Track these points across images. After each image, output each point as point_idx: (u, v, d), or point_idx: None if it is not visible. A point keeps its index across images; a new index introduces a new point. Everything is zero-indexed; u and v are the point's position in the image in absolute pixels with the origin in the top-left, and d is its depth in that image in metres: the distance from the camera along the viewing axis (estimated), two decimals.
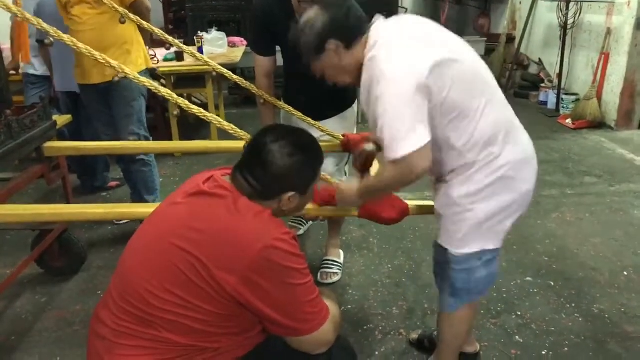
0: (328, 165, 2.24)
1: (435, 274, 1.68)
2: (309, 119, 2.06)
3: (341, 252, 2.59)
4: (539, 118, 5.18)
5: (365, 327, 2.11)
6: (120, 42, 2.66)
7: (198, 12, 5.43)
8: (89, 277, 2.50)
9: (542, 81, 5.72)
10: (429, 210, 1.66)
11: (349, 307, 2.24)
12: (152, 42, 6.04)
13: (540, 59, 5.87)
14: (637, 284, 2.38)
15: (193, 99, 5.11)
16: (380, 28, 1.41)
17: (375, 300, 2.30)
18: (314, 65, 1.46)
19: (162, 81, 4.10)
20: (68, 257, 2.48)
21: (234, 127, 1.73)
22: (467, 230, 1.45)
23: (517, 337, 2.05)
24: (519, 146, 1.46)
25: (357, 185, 1.54)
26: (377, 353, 1.98)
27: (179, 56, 4.13)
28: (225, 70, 2.10)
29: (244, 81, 2.11)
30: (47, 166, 2.19)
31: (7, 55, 3.51)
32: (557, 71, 5.33)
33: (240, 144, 1.40)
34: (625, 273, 2.47)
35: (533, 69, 6.04)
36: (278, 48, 2.15)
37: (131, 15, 2.09)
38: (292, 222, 2.83)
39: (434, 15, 8.97)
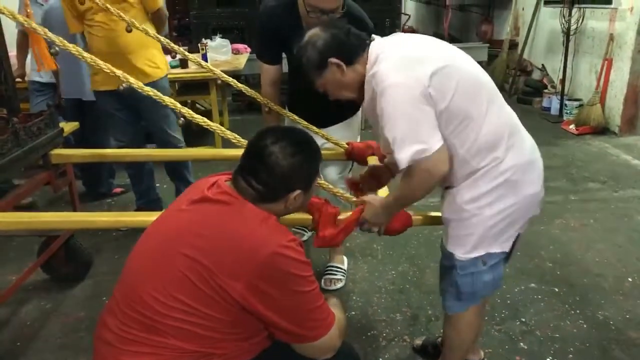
0: (331, 173, 2.26)
1: (440, 277, 1.68)
2: (314, 127, 2.08)
3: (345, 258, 2.60)
4: (542, 124, 5.18)
5: (369, 334, 2.12)
6: (147, 46, 2.73)
7: (202, 19, 5.47)
8: (94, 283, 2.51)
9: (546, 87, 5.72)
10: (432, 221, 1.67)
11: (353, 313, 2.25)
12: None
13: (543, 65, 5.88)
14: None
15: (197, 105, 5.14)
16: (380, 45, 1.47)
17: (379, 306, 2.30)
18: (317, 81, 1.51)
19: None
20: (74, 263, 2.50)
21: (236, 136, 1.73)
22: (474, 235, 1.46)
23: (521, 343, 2.05)
24: (523, 149, 1.47)
25: (381, 202, 1.55)
26: (380, 359, 1.98)
27: (183, 63, 4.15)
28: (229, 79, 2.12)
29: (249, 89, 2.13)
30: (54, 173, 2.20)
31: (13, 62, 3.54)
32: (560, 77, 5.34)
33: None
34: (629, 279, 2.47)
35: (536, 75, 6.04)
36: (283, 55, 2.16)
37: (136, 24, 2.12)
38: (295, 227, 2.83)
39: (437, 22, 9.01)
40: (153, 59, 2.78)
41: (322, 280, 2.43)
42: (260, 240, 1.10)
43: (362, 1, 5.10)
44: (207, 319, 1.09)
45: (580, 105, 5.05)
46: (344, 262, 2.56)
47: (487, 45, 6.34)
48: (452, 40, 7.36)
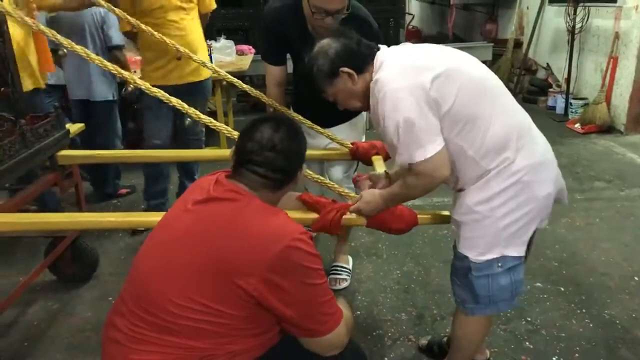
0: (336, 173, 2.26)
1: (451, 280, 1.67)
2: (318, 127, 2.08)
3: (350, 258, 2.60)
4: (548, 123, 5.17)
5: (374, 333, 2.12)
6: (204, 46, 2.97)
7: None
8: (100, 284, 2.53)
9: (551, 86, 5.71)
10: (438, 220, 1.68)
11: (358, 312, 2.25)
12: None
13: (548, 64, 5.86)
14: None
15: None
16: (385, 53, 1.50)
17: (384, 306, 2.31)
18: (327, 90, 1.53)
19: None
20: (80, 264, 2.51)
21: None
22: (487, 236, 1.46)
23: (527, 342, 2.05)
24: (534, 151, 1.47)
25: (380, 192, 1.57)
26: (386, 359, 1.98)
27: None
28: (235, 80, 2.14)
29: (254, 90, 2.14)
30: (61, 174, 2.22)
31: None
32: (566, 76, 5.32)
33: None
34: (635, 278, 2.46)
35: (541, 74, 6.03)
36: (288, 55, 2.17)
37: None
38: None
39: (441, 21, 9.00)
40: (206, 58, 3.02)
41: (327, 280, 2.43)
42: (273, 234, 1.12)
43: (367, 1, 5.09)
44: (221, 316, 1.10)
45: (586, 104, 5.04)
46: (349, 262, 2.57)
47: (492, 44, 6.32)
48: (456, 39, 7.36)
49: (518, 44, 6.35)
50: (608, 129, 4.77)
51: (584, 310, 2.23)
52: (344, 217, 1.57)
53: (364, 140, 2.25)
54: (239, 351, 1.14)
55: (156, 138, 2.95)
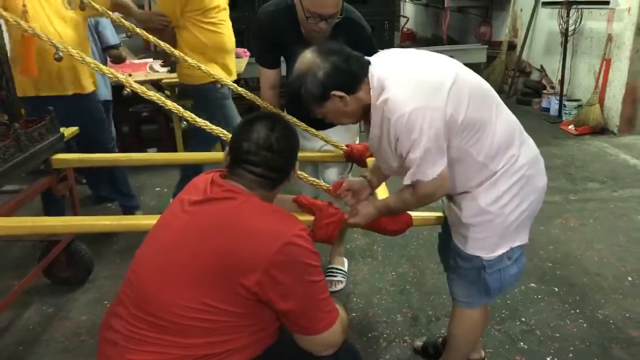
0: (331, 175, 2.27)
1: (449, 279, 1.68)
2: (312, 130, 2.09)
3: (345, 260, 2.61)
4: (542, 124, 5.20)
5: (369, 335, 2.13)
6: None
7: None
8: (95, 287, 2.52)
9: (544, 88, 5.74)
10: (432, 221, 1.69)
11: (354, 314, 2.26)
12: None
13: (542, 66, 5.89)
14: None
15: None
16: (380, 68, 1.41)
17: (379, 307, 2.31)
18: (317, 110, 1.45)
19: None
20: (75, 268, 2.51)
21: None
22: (498, 234, 1.49)
23: (521, 343, 2.06)
24: (530, 144, 1.53)
25: (376, 206, 1.58)
26: None
27: None
28: (230, 82, 2.14)
29: (248, 93, 2.15)
30: (55, 178, 2.22)
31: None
32: (559, 78, 5.36)
33: None
34: (629, 278, 2.48)
35: (535, 76, 6.06)
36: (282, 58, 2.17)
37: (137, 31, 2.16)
38: None
39: (436, 24, 9.04)
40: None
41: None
42: (274, 231, 1.13)
43: (361, 4, 5.09)
44: (221, 314, 1.11)
45: (579, 106, 5.07)
46: (344, 264, 2.57)
47: (486, 46, 6.35)
48: (450, 42, 7.38)
49: (512, 46, 6.38)
50: (601, 130, 4.79)
51: (577, 311, 2.24)
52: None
53: (358, 142, 2.26)
54: (238, 348, 1.15)
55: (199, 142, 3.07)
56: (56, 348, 2.11)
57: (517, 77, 6.16)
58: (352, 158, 2.09)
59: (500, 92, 1.46)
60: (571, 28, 5.12)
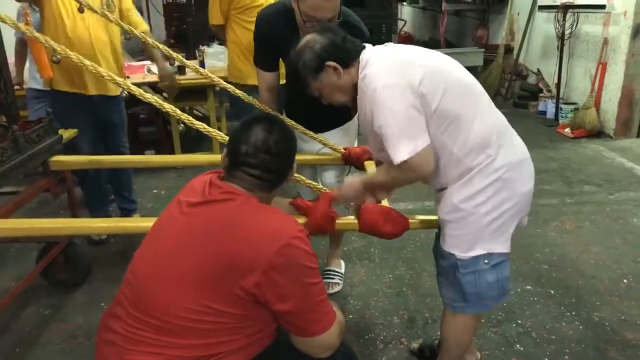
0: (328, 178, 2.28)
1: (438, 281, 1.69)
2: (311, 132, 2.09)
3: (342, 262, 2.61)
4: (538, 127, 5.22)
5: (366, 337, 2.13)
6: None
7: (199, 26, 5.49)
8: (92, 289, 2.52)
9: (541, 91, 5.76)
10: (430, 224, 1.70)
11: (350, 316, 2.26)
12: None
13: (538, 69, 5.92)
14: (637, 292, 2.40)
15: (195, 111, 5.15)
16: (370, 50, 1.54)
17: (376, 309, 2.32)
18: (313, 84, 1.55)
19: (164, 94, 4.14)
20: (72, 270, 2.51)
21: None
22: (471, 233, 1.49)
23: (517, 345, 2.07)
24: (514, 148, 1.52)
25: (361, 177, 1.61)
26: None
27: (181, 70, 4.17)
28: (227, 85, 2.15)
29: (247, 95, 2.15)
30: (53, 180, 2.22)
31: (11, 70, 3.57)
32: (556, 81, 5.38)
33: None
34: (625, 281, 2.49)
35: (532, 79, 6.08)
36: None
37: (136, 32, 2.17)
38: None
39: (433, 27, 9.06)
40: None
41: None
42: (273, 231, 1.14)
43: (359, 7, 5.10)
44: (221, 315, 1.11)
45: (576, 109, 5.09)
46: (341, 266, 2.58)
47: (483, 49, 6.39)
48: (448, 45, 7.41)
49: (509, 50, 6.41)
50: (598, 133, 4.82)
51: (573, 313, 2.25)
52: (337, 221, 1.59)
53: (356, 145, 2.27)
54: (235, 350, 1.15)
55: None
56: (53, 350, 2.11)
57: (513, 80, 6.18)
58: (350, 161, 2.10)
59: (497, 95, 1.47)
60: (567, 32, 5.16)
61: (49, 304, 2.40)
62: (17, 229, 1.72)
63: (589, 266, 2.62)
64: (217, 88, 3.92)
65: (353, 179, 1.63)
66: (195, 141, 4.74)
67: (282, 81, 2.23)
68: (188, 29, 5.61)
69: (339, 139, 2.18)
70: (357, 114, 2.26)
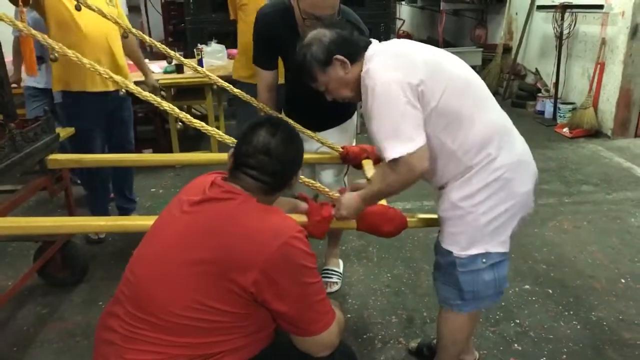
0: (327, 177, 2.28)
1: (434, 278, 1.69)
2: (309, 131, 2.09)
3: (340, 261, 2.61)
4: (536, 127, 5.22)
5: (364, 336, 2.13)
6: None
7: (197, 25, 5.48)
8: (90, 288, 2.51)
9: (539, 91, 5.77)
10: (427, 223, 1.70)
11: (349, 316, 2.26)
12: (152, 54, 6.09)
13: (536, 69, 5.92)
14: (635, 291, 2.40)
15: (193, 110, 5.14)
16: (375, 45, 1.53)
17: (374, 309, 2.32)
18: (320, 78, 1.55)
19: (162, 93, 4.13)
20: (70, 268, 2.50)
21: (235, 140, 1.75)
22: (470, 232, 1.49)
23: (515, 344, 2.07)
24: (515, 149, 1.51)
25: (359, 193, 1.58)
26: None
27: (179, 68, 4.17)
28: (225, 84, 2.14)
29: (245, 94, 2.15)
30: (50, 178, 2.21)
31: (9, 68, 3.55)
32: (554, 81, 5.39)
33: None
34: (622, 280, 2.49)
35: (530, 79, 6.09)
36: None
37: (134, 30, 2.16)
38: None
39: (431, 26, 9.06)
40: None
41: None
42: (271, 230, 1.14)
43: (357, 6, 5.10)
44: (220, 314, 1.11)
45: (574, 109, 5.10)
46: (339, 265, 2.58)
47: (481, 49, 6.38)
48: (446, 44, 7.41)
49: (507, 49, 6.41)
50: (595, 133, 4.82)
51: (571, 313, 2.26)
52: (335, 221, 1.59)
53: (354, 144, 2.26)
54: (234, 349, 1.15)
55: None
56: (51, 349, 2.10)
57: (512, 80, 6.19)
58: (348, 160, 2.10)
59: (495, 94, 1.47)
60: (565, 32, 5.16)
61: (46, 302, 2.40)
62: (14, 227, 1.71)
63: (586, 266, 2.63)
64: (215, 86, 3.92)
65: (350, 197, 1.59)
66: (193, 140, 4.74)
67: (281, 80, 2.22)
68: (186, 27, 5.60)
69: (337, 138, 2.17)
70: (355, 113, 2.31)
